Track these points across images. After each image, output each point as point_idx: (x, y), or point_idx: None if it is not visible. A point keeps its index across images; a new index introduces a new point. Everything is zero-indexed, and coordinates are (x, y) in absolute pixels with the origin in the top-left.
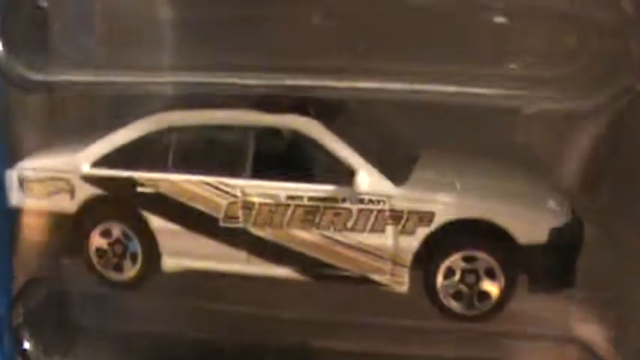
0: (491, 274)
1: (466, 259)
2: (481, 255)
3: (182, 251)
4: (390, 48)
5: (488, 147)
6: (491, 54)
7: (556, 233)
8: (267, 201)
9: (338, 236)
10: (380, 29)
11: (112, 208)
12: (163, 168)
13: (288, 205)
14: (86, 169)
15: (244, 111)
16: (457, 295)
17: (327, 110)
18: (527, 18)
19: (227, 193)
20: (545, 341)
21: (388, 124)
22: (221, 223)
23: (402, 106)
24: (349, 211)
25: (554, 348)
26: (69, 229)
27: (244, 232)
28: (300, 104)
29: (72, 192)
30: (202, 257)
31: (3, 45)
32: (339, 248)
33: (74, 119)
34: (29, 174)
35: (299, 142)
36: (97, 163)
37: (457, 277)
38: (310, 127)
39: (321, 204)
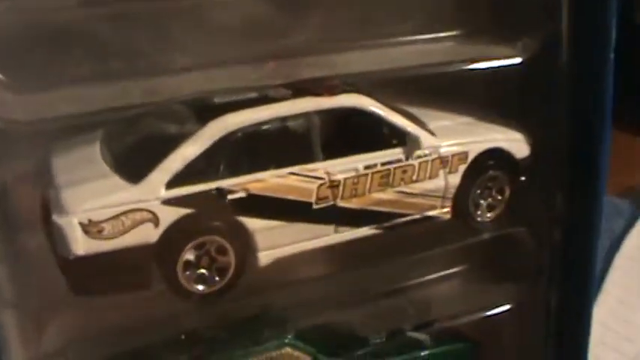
0: (501, 190)
1: (489, 179)
2: (498, 173)
3: (277, 243)
4: None
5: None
6: None
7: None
8: (350, 175)
9: (407, 189)
10: None
11: (204, 222)
12: (241, 171)
13: (367, 174)
14: (163, 192)
15: (303, 99)
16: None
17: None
18: None
19: (314, 177)
20: None
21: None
22: (314, 206)
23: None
24: (413, 166)
25: None
26: (152, 259)
27: (333, 208)
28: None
29: (155, 220)
30: (295, 241)
31: None
32: (408, 199)
33: None
34: (96, 215)
35: (359, 116)
36: (171, 184)
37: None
38: (366, 103)
39: (391, 166)
